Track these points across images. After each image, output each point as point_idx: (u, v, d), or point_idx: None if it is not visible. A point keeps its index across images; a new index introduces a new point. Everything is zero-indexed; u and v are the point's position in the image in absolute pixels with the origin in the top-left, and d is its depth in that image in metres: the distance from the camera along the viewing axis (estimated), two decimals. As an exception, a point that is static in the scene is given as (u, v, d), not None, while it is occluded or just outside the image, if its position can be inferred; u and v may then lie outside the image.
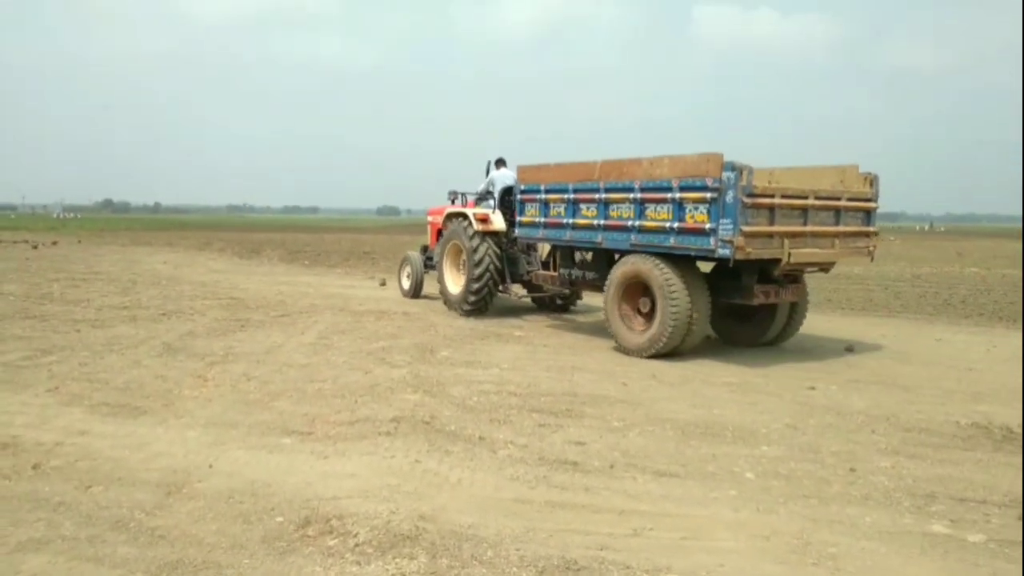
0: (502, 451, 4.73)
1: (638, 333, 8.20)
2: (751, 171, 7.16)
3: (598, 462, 4.55)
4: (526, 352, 8.23)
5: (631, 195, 8.26)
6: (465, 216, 11.09)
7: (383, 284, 15.47)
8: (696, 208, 7.51)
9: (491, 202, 11.50)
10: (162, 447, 4.74)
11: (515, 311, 11.75)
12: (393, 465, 4.45)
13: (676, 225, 7.72)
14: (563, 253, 10.11)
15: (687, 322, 7.76)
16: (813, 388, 6.71)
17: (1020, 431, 5.35)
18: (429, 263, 13.11)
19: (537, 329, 9.88)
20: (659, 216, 7.95)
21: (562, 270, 10.12)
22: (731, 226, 7.12)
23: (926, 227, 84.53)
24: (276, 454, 4.65)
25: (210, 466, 4.39)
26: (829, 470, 4.53)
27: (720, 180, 7.22)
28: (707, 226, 7.36)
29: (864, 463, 4.66)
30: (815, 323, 10.90)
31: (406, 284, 13.44)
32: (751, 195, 7.13)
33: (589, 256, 9.64)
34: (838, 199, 8.06)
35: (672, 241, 7.81)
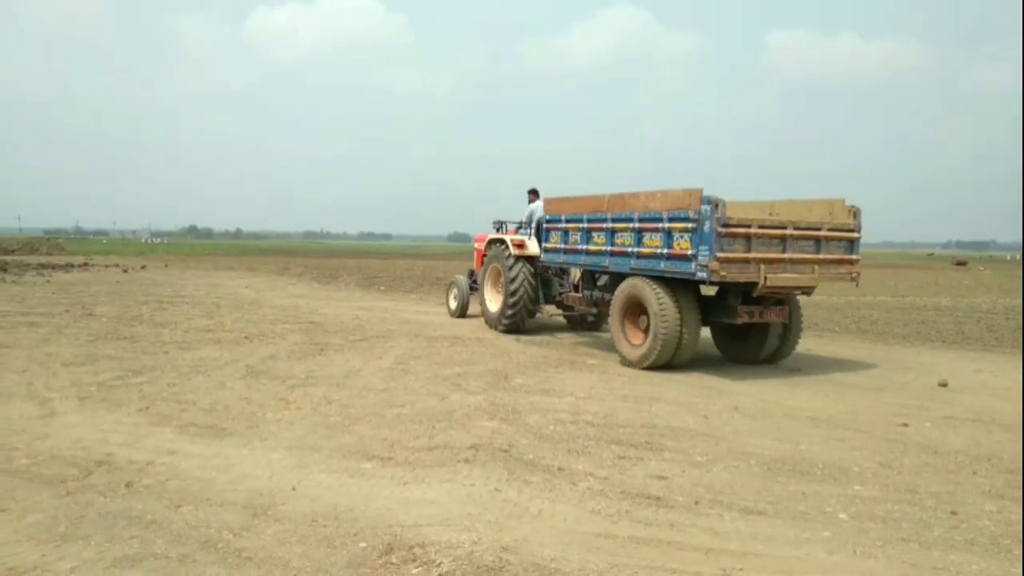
0: (582, 483, 4.66)
1: (636, 347, 9.15)
2: (725, 204, 8.02)
3: (682, 497, 4.43)
4: (601, 381, 8.14)
5: (631, 225, 9.27)
6: (504, 242, 12.32)
7: (456, 310, 15.58)
8: (681, 237, 8.43)
9: (529, 230, 12.61)
10: (247, 468, 4.83)
11: (585, 339, 11.65)
12: (473, 493, 4.42)
13: (666, 251, 8.66)
14: (586, 276, 11.19)
15: (676, 338, 8.64)
16: (906, 425, 6.41)
17: None
18: (475, 286, 14.23)
19: (611, 358, 9.75)
20: (653, 244, 8.91)
21: (585, 291, 11.17)
22: (707, 252, 8.00)
23: (1019, 255, 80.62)
24: (357, 478, 4.69)
25: (293, 489, 4.45)
26: (929, 512, 4.30)
27: (699, 212, 8.12)
28: (689, 252, 8.25)
29: (966, 506, 4.41)
30: (904, 356, 10.49)
31: (453, 305, 14.56)
32: (725, 225, 7.99)
33: (607, 279, 10.55)
34: (818, 229, 8.77)
35: (663, 265, 8.74)
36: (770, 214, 8.65)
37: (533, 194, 12.94)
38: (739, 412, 6.76)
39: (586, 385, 7.83)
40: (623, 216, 9.47)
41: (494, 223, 13.88)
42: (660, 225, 8.73)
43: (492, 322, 12.59)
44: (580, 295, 11.35)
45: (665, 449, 5.47)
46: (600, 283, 10.85)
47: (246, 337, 10.74)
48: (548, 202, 11.52)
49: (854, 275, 9.14)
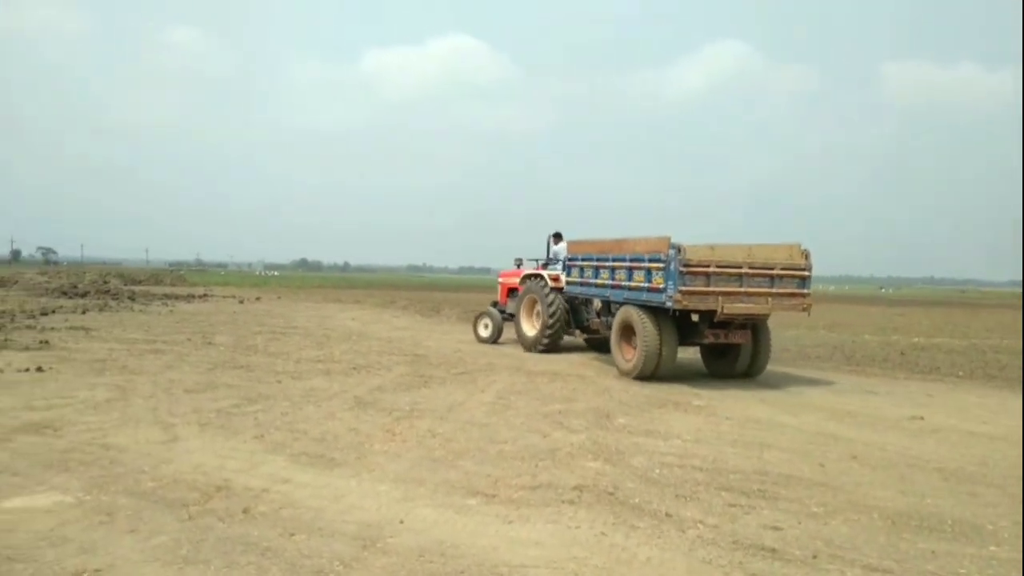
0: (691, 530, 4.51)
1: (627, 361, 11.25)
2: (685, 249, 10.01)
3: (799, 551, 4.22)
4: (708, 424, 7.90)
5: (625, 264, 11.45)
6: (541, 277, 14.48)
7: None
8: (657, 274, 10.47)
9: (558, 266, 14.64)
10: (356, 500, 4.92)
11: (689, 379, 11.37)
12: (578, 536, 4.35)
13: (647, 285, 10.74)
14: (603, 305, 13.23)
15: (657, 354, 10.67)
16: (1046, 482, 5.91)
17: None
18: (503, 314, 16.11)
19: (719, 399, 9.48)
20: (639, 279, 11.02)
21: (602, 317, 13.26)
22: (673, 286, 10.00)
23: None
24: (462, 515, 4.69)
25: (401, 522, 4.50)
26: (1078, 582, 3.93)
27: (668, 255, 10.16)
28: (662, 286, 10.31)
29: (1123, 577, 4.00)
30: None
31: (484, 333, 16.01)
32: (687, 265, 9.97)
33: (617, 307, 12.07)
34: (771, 268, 10.53)
35: (645, 296, 10.80)
36: (748, 254, 10.47)
37: (557, 237, 15.15)
38: (858, 461, 6.41)
39: (692, 428, 7.62)
40: (620, 256, 11.68)
41: (515, 260, 16.38)
42: (643, 264, 10.85)
43: (529, 345, 14.49)
44: (600, 320, 13.35)
45: (779, 498, 5.23)
46: (613, 311, 12.31)
47: (354, 368, 11.04)
48: (571, 244, 13.93)
49: (805, 306, 10.85)
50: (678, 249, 9.98)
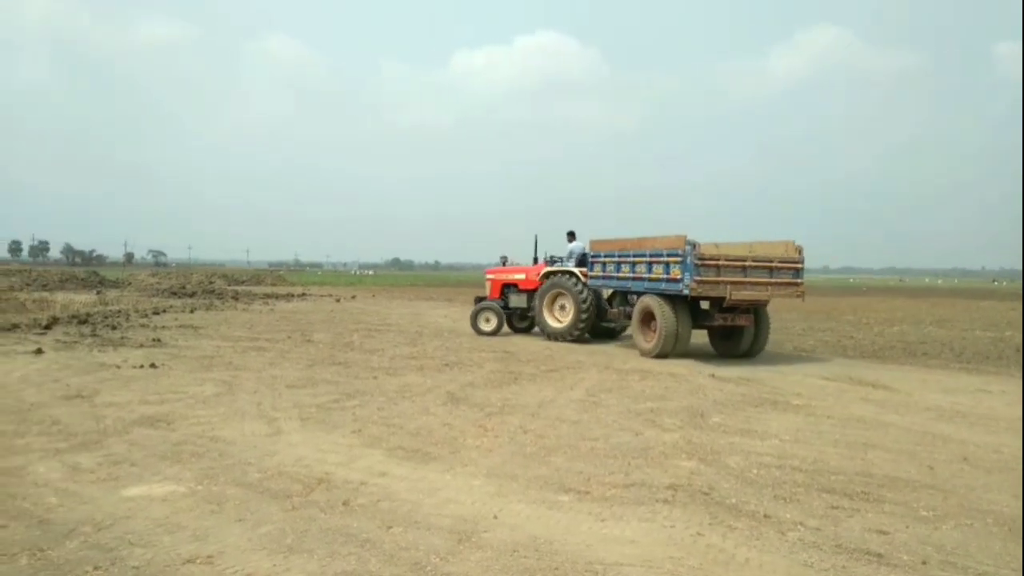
0: (791, 532, 4.37)
1: (648, 343, 13.00)
2: (699, 245, 11.92)
3: (907, 556, 4.03)
4: (807, 423, 7.65)
5: (645, 259, 13.14)
6: (572, 274, 15.67)
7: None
8: (675, 267, 12.19)
9: (570, 263, 16.06)
10: (451, 494, 5.01)
11: (787, 376, 11.03)
12: (674, 536, 4.29)
13: (666, 276, 12.48)
14: (619, 296, 15.11)
15: (674, 335, 12.53)
16: None
17: None
18: (506, 309, 17.07)
19: (819, 398, 9.16)
20: (658, 272, 12.76)
21: (619, 307, 14.99)
22: (689, 276, 11.84)
23: None
24: (555, 511, 4.71)
25: (495, 517, 4.55)
26: None
27: (684, 251, 11.95)
28: (679, 277, 12.09)
29: None
30: None
31: (486, 327, 16.62)
32: (700, 259, 11.85)
33: (634, 297, 13.93)
34: (770, 262, 12.41)
35: (664, 286, 12.59)
36: (750, 251, 12.46)
37: (571, 236, 16.52)
38: (970, 464, 6.08)
39: (791, 427, 7.40)
40: (640, 252, 13.35)
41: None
42: (662, 259, 12.59)
43: (558, 335, 15.51)
44: (617, 310, 14.96)
45: (884, 501, 5.02)
46: (631, 301, 14.06)
47: (446, 365, 11.23)
48: (594, 243, 15.36)
49: (799, 293, 12.67)
50: (694, 245, 11.85)
